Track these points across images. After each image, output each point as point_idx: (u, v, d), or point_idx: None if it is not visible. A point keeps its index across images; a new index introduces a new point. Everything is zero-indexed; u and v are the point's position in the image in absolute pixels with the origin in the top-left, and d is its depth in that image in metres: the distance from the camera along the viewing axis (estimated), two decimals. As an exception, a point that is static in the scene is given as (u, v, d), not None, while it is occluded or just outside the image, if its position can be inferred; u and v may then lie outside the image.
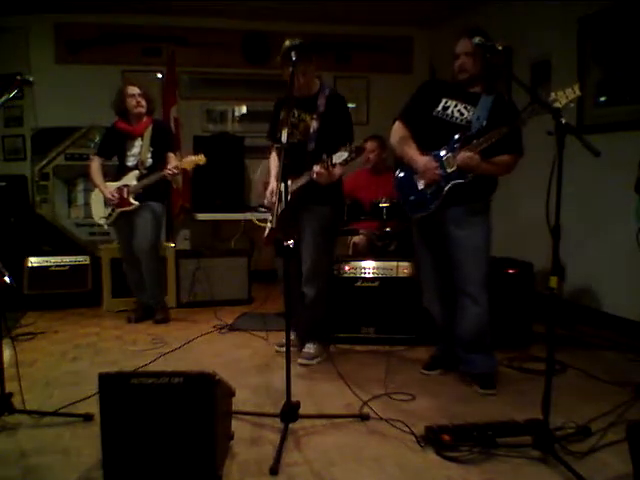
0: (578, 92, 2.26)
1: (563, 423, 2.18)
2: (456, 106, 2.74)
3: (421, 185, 2.78)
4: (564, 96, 2.26)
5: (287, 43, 2.90)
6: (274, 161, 3.31)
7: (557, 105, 2.27)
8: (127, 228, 4.05)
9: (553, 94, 2.31)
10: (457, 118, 2.72)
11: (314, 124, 3.04)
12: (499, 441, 2.08)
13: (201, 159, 3.88)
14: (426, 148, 2.76)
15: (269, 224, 3.24)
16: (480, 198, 2.77)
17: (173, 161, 4.04)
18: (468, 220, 2.72)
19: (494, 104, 2.69)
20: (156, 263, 4.14)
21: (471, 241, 2.72)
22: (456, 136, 2.67)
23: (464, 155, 2.61)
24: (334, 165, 2.80)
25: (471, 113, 2.70)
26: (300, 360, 3.17)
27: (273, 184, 3.20)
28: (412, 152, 2.78)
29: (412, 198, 2.82)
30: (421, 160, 2.74)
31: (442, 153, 2.71)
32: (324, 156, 2.83)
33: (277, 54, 2.96)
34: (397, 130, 2.87)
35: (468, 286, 2.74)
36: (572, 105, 2.27)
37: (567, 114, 2.14)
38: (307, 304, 3.20)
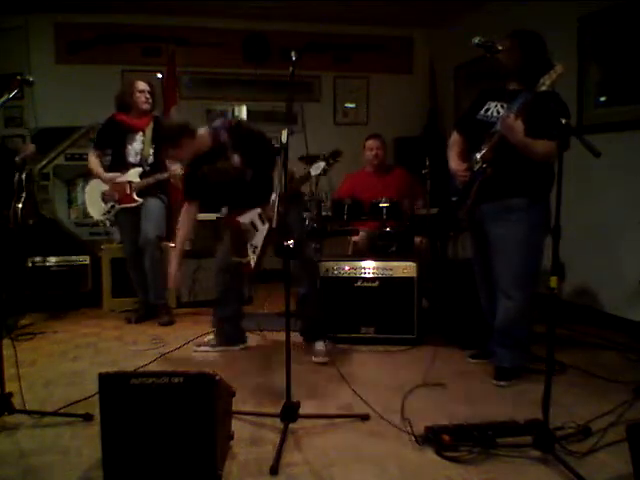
0: (560, 70, 2.32)
1: (563, 423, 2.18)
2: (496, 106, 2.78)
3: (459, 185, 2.88)
4: (549, 78, 2.33)
5: None
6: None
7: (542, 88, 2.34)
8: (130, 223, 4.04)
9: (541, 79, 2.36)
10: (495, 118, 2.73)
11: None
12: (499, 441, 2.07)
13: None
14: (474, 151, 2.81)
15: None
16: (516, 194, 2.70)
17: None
18: (503, 217, 2.73)
19: (533, 100, 2.49)
20: (159, 254, 4.11)
21: (506, 238, 2.73)
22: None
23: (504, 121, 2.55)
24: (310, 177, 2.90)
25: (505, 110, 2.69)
26: (315, 359, 3.18)
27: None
28: (450, 156, 2.95)
29: (454, 198, 2.95)
30: (451, 163, 2.90)
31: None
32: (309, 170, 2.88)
33: (277, 54, 2.96)
34: (451, 137, 3.04)
35: (500, 281, 2.80)
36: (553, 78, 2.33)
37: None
38: (305, 303, 3.23)
